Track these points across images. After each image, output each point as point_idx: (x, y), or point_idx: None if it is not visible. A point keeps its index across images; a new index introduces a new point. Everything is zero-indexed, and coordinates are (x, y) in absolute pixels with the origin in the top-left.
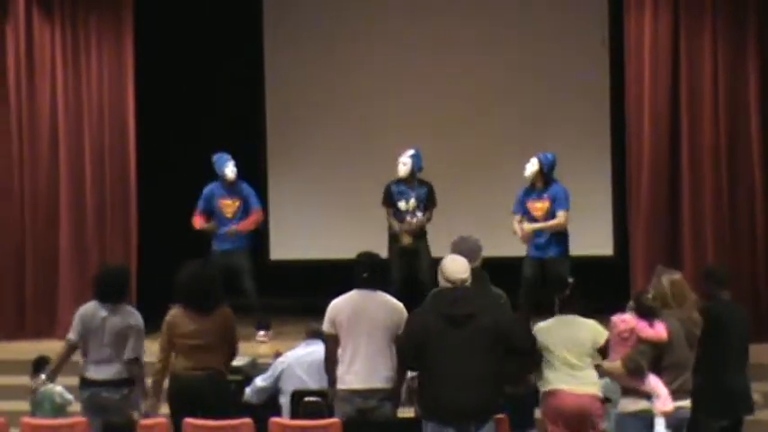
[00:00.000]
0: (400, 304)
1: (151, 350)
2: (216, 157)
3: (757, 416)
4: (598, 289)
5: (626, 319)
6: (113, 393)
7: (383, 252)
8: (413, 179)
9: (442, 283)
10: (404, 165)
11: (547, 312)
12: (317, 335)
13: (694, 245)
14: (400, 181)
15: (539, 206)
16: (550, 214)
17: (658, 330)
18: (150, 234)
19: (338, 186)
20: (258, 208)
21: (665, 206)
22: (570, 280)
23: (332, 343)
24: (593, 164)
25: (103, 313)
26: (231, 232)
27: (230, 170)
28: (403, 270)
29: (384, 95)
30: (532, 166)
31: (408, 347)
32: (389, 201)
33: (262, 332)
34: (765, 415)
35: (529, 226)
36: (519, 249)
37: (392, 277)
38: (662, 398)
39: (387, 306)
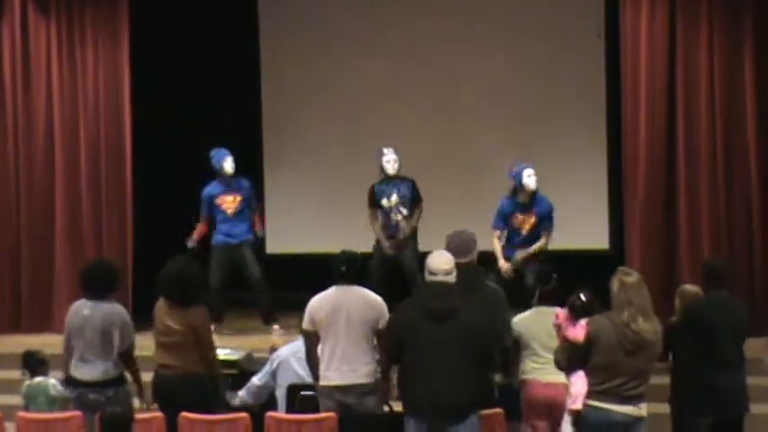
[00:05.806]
0: (379, 299)
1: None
2: (214, 152)
3: (753, 410)
4: (593, 283)
5: (558, 314)
6: (100, 395)
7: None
8: (395, 176)
9: (427, 276)
10: (395, 162)
11: (525, 304)
12: None
13: (690, 239)
14: (384, 180)
15: (523, 219)
16: (534, 228)
17: (576, 331)
18: (146, 230)
19: (334, 183)
20: (256, 212)
21: (660, 200)
22: (554, 275)
23: (312, 340)
24: (589, 157)
25: (86, 311)
26: (260, 235)
27: (229, 165)
28: (384, 274)
29: (379, 93)
30: (536, 176)
31: (390, 341)
32: (374, 202)
33: (276, 326)
34: (762, 409)
35: (514, 260)
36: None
37: (373, 279)
38: (572, 396)
39: (365, 301)
